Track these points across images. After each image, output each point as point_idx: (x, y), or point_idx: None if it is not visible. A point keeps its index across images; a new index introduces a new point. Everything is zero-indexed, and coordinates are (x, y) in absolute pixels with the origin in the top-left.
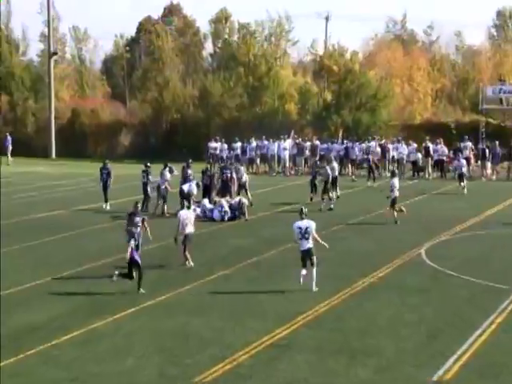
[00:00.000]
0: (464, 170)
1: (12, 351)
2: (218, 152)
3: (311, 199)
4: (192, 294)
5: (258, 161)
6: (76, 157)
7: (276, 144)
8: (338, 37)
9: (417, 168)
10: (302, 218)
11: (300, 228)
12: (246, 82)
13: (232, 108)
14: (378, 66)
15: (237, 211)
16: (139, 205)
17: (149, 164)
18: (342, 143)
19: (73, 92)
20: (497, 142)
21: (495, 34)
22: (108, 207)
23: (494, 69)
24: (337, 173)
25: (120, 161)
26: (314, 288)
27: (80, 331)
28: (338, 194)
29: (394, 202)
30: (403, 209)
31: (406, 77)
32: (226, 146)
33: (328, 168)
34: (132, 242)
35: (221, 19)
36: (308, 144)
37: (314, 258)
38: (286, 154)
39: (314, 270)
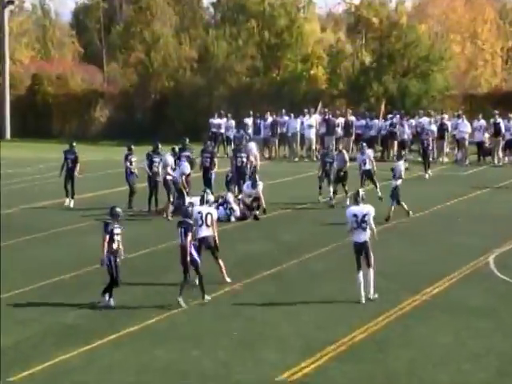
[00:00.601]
0: None
1: None
2: (222, 130)
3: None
4: (189, 315)
5: (276, 142)
6: (37, 137)
7: (299, 120)
8: None
9: (483, 151)
10: (358, 203)
11: (356, 215)
12: (260, 40)
13: (241, 73)
14: (431, 18)
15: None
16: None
17: (132, 147)
18: (386, 119)
19: (34, 52)
20: None
21: None
22: (72, 204)
23: None
24: (371, 165)
25: (95, 142)
26: (373, 295)
27: (46, 364)
28: (379, 192)
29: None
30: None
31: (468, 33)
32: (233, 122)
33: (345, 154)
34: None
35: None
36: (341, 120)
37: (371, 256)
38: (312, 133)
39: (372, 271)
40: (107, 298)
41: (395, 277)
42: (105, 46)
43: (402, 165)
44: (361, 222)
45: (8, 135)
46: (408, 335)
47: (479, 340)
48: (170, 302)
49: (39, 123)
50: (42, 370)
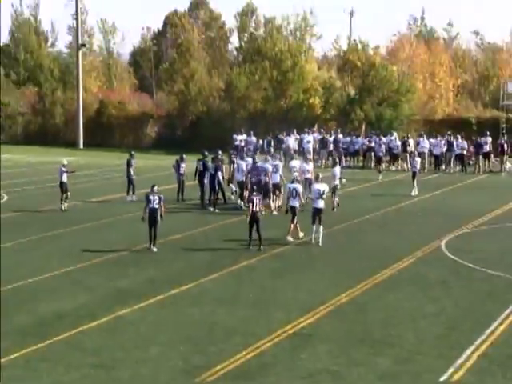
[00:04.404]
0: None
1: (39, 337)
2: (242, 144)
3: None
4: (217, 283)
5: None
6: (102, 147)
7: (292, 138)
8: (361, 32)
9: (438, 162)
10: (318, 182)
11: (318, 190)
12: (271, 76)
13: (257, 101)
14: (400, 61)
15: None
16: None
17: (184, 156)
18: (366, 137)
19: (100, 83)
20: None
21: None
22: (134, 198)
23: None
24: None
25: (147, 152)
26: (321, 242)
27: (106, 319)
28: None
29: (334, 190)
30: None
31: (428, 72)
32: (254, 138)
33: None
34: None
35: (246, 13)
36: (331, 138)
37: (323, 217)
38: (310, 147)
39: (321, 227)
40: (150, 246)
41: (371, 255)
42: (154, 79)
43: (337, 169)
44: (321, 195)
45: (81, 145)
46: (381, 300)
47: (434, 304)
48: (202, 274)
49: (104, 137)
50: (107, 322)
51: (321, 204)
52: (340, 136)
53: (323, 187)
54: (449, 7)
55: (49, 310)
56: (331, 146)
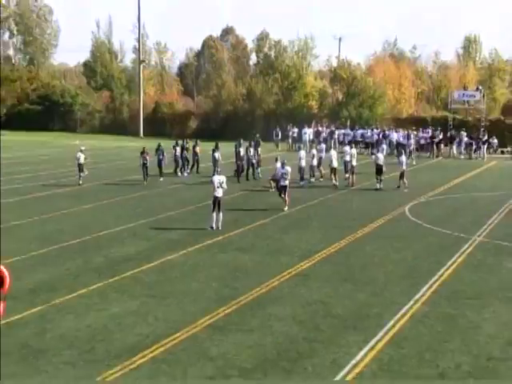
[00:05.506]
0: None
1: (110, 275)
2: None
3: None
4: (239, 236)
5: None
6: (157, 136)
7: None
8: (347, 53)
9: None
10: (284, 166)
11: (286, 170)
12: (281, 84)
13: (270, 103)
14: (376, 75)
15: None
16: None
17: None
18: (351, 130)
19: (156, 89)
20: (463, 132)
21: (462, 52)
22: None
23: (459, 79)
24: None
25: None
26: (286, 210)
27: (159, 261)
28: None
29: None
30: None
31: (396, 83)
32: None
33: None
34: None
35: (262, 38)
36: (326, 130)
37: (287, 193)
38: (307, 137)
39: (288, 200)
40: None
41: (354, 218)
42: (195, 86)
43: (303, 153)
44: (285, 174)
45: (142, 134)
46: (360, 250)
47: (398, 253)
48: (229, 229)
49: (159, 128)
50: (160, 263)
51: (286, 182)
52: (333, 129)
53: (289, 168)
54: (415, 35)
55: (117, 254)
56: (323, 136)
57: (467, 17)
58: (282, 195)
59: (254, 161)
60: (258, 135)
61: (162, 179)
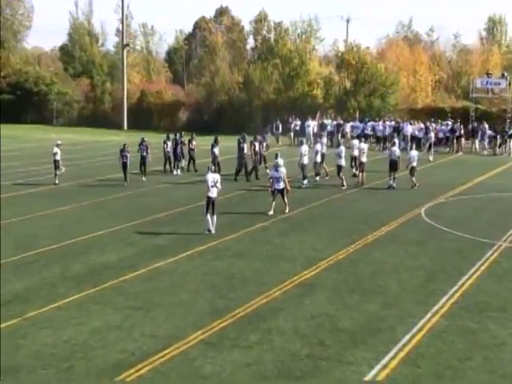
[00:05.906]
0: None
1: (91, 285)
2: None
3: None
4: (235, 241)
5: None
6: (143, 129)
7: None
8: (355, 36)
9: (418, 143)
10: (277, 168)
11: (280, 174)
12: (282, 71)
13: (269, 92)
14: (388, 60)
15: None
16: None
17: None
18: (360, 122)
19: (141, 76)
20: (486, 125)
21: (485, 35)
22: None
23: (482, 65)
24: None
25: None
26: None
27: (145, 269)
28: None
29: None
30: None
31: (411, 70)
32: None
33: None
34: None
35: (260, 19)
36: (333, 123)
37: (286, 198)
38: (310, 130)
39: (286, 198)
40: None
41: (363, 220)
42: (185, 73)
43: (306, 147)
44: (280, 179)
45: (125, 127)
46: (370, 256)
47: (413, 260)
48: (224, 233)
49: (144, 120)
50: (146, 272)
51: (281, 185)
52: (341, 121)
53: (284, 170)
54: (432, 16)
55: (97, 261)
56: (328, 129)
57: None
58: (279, 199)
59: (264, 153)
60: (267, 127)
61: (144, 179)
